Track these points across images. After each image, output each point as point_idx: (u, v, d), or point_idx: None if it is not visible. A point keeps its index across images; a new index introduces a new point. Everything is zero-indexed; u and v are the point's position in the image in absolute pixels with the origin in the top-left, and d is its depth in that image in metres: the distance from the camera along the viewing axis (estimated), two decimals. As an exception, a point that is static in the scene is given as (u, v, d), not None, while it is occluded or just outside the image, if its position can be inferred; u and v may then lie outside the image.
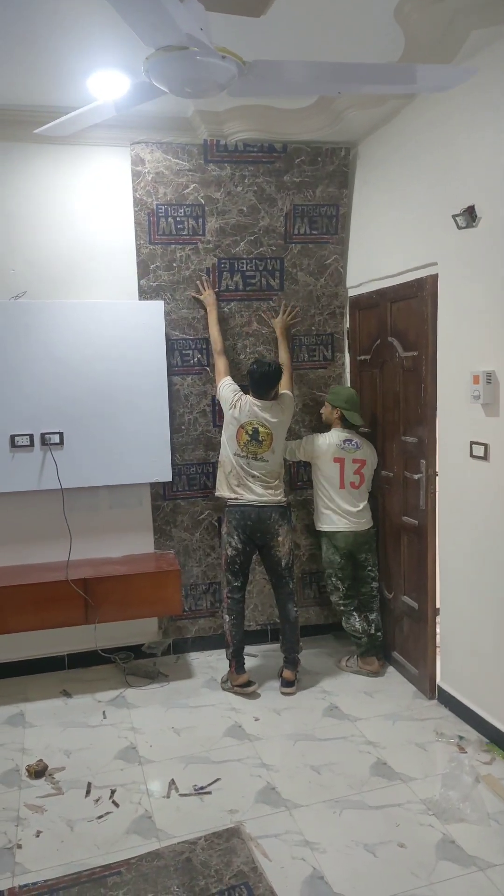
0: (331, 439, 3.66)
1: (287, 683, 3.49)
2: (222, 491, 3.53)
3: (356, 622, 3.65)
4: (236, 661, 3.49)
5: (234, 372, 3.81)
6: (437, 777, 2.73)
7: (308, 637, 4.09)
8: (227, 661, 3.53)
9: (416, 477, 3.34)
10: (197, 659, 3.92)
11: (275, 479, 3.50)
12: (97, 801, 2.66)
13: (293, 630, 3.55)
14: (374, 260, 3.69)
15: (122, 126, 3.53)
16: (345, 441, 3.64)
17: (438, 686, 3.35)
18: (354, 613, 3.67)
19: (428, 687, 3.38)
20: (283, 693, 3.47)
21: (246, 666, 3.55)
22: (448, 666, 3.28)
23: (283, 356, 3.77)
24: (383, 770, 2.81)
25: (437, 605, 3.35)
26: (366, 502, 3.67)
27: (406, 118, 3.29)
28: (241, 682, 3.46)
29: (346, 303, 4.04)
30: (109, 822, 2.52)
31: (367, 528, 3.67)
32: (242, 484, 3.45)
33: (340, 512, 3.61)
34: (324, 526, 3.66)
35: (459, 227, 2.87)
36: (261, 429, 3.44)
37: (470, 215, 2.80)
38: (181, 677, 3.70)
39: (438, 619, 3.36)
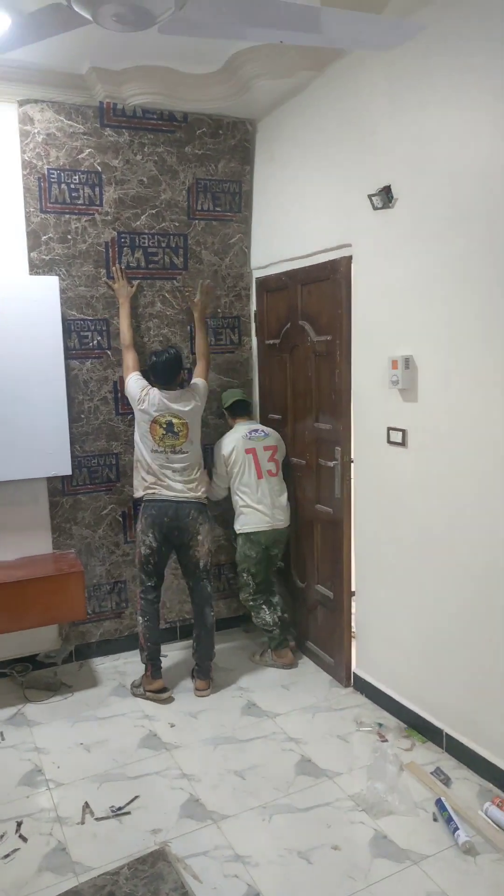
0: (235, 435, 3.55)
1: (201, 690, 3.33)
2: (139, 491, 3.32)
3: (266, 615, 3.54)
4: (152, 666, 3.27)
5: (139, 355, 3.56)
6: (362, 770, 2.69)
7: (218, 631, 3.93)
8: (142, 665, 3.32)
9: (330, 464, 3.27)
10: (102, 664, 3.66)
11: (195, 472, 3.31)
12: (1, 836, 2.37)
13: (209, 636, 3.38)
14: (282, 240, 3.56)
15: (8, 79, 3.15)
16: (250, 432, 3.54)
17: (354, 673, 3.32)
18: (263, 606, 3.56)
19: (344, 675, 3.35)
20: (197, 695, 3.31)
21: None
22: (364, 653, 3.26)
23: (200, 345, 3.56)
24: (308, 768, 2.73)
25: (353, 592, 3.32)
26: (286, 496, 3.57)
27: (316, 91, 3.17)
28: (155, 688, 3.26)
29: (252, 284, 3.89)
30: (17, 861, 2.25)
31: (285, 527, 3.56)
32: (159, 480, 3.25)
33: (260, 509, 3.47)
34: (245, 527, 3.50)
35: (375, 208, 2.79)
36: (174, 420, 3.26)
37: (386, 195, 2.73)
38: (86, 686, 3.44)
39: (353, 607, 3.33)
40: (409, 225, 2.68)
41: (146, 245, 3.59)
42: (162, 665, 3.34)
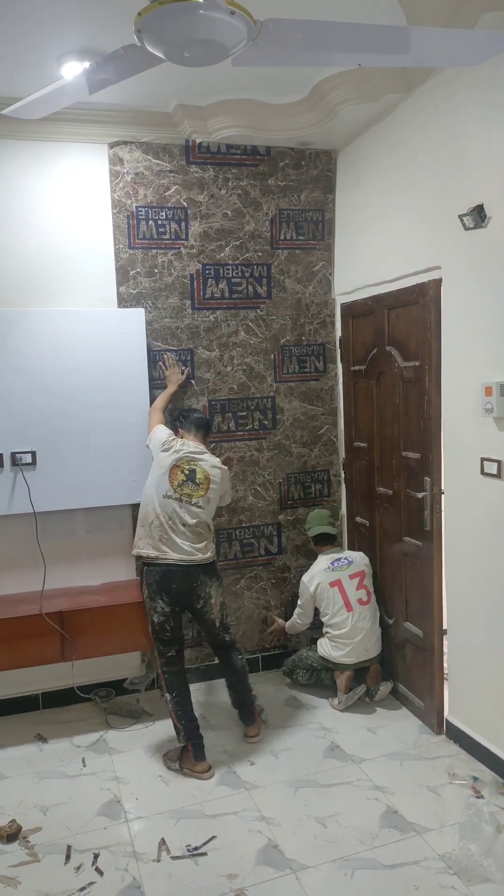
0: (318, 568, 3.49)
1: (253, 736, 3.13)
2: (140, 548, 2.97)
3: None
4: (193, 748, 2.89)
5: (222, 384, 3.60)
6: (454, 827, 2.48)
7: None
8: (181, 747, 2.94)
9: (419, 496, 3.12)
10: (184, 694, 3.62)
11: (205, 533, 3.01)
12: (78, 868, 2.35)
13: (242, 681, 3.15)
14: (368, 265, 3.49)
15: (99, 121, 3.29)
16: (333, 562, 3.46)
17: (447, 720, 3.11)
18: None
19: (435, 721, 3.14)
20: (249, 742, 3.12)
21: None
22: (457, 698, 3.05)
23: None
24: (395, 820, 2.55)
25: (444, 630, 3.12)
26: (378, 623, 3.45)
27: (404, 113, 3.10)
28: (199, 770, 2.87)
29: (337, 310, 3.83)
30: (92, 896, 2.22)
31: (374, 656, 3.43)
32: (166, 538, 2.92)
33: (351, 646, 3.34)
34: (329, 654, 3.40)
35: (466, 228, 2.67)
36: (198, 470, 3.00)
37: (479, 214, 2.60)
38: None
39: (445, 647, 3.13)
40: (503, 244, 2.54)
41: (230, 276, 3.63)
42: (204, 744, 2.96)
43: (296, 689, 3.50)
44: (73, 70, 2.72)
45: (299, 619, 3.55)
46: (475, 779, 2.77)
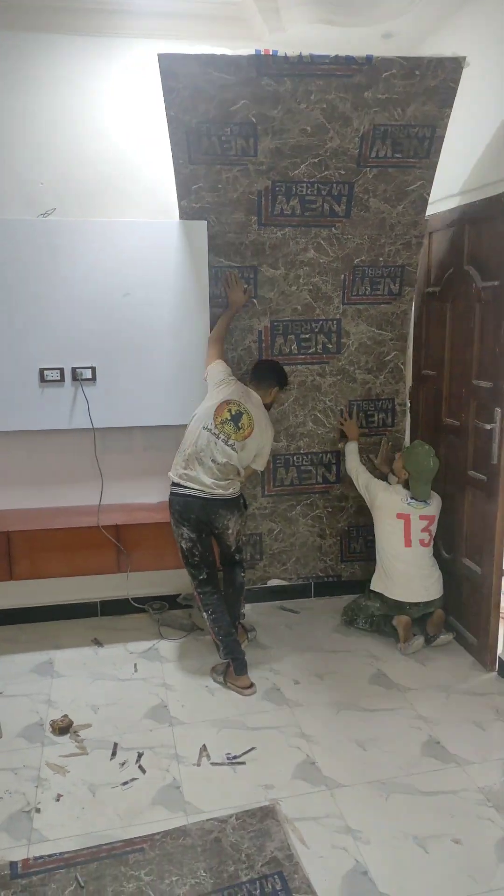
0: (395, 495, 3.29)
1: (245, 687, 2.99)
2: (172, 474, 3.03)
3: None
4: (234, 662, 2.97)
5: (285, 304, 3.43)
6: (498, 762, 2.44)
7: (344, 594, 3.80)
8: (224, 662, 3.03)
9: (488, 427, 2.93)
10: (235, 613, 3.69)
11: (231, 475, 2.99)
12: (123, 764, 2.47)
13: (236, 595, 3.22)
14: (450, 172, 3.18)
15: (157, 14, 3.06)
16: (411, 498, 3.27)
17: (499, 658, 3.02)
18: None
19: (488, 658, 3.06)
20: (243, 694, 2.96)
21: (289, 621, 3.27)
22: (512, 637, 2.95)
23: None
24: (436, 750, 2.53)
25: (503, 569, 2.99)
26: (437, 569, 3.31)
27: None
28: (241, 685, 2.93)
29: (426, 232, 3.50)
30: (134, 790, 2.33)
31: (435, 598, 3.28)
32: (192, 468, 2.94)
33: (404, 582, 3.25)
34: (378, 587, 3.33)
35: None
36: (244, 415, 2.97)
37: None
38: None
39: (503, 585, 3.01)
40: None
41: (303, 193, 3.35)
42: (247, 661, 3.01)
43: (356, 636, 3.39)
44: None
45: (353, 473, 3.47)
46: (524, 718, 2.70)
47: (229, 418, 2.96)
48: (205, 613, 3.06)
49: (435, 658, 3.18)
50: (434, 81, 3.09)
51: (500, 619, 3.05)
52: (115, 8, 3.02)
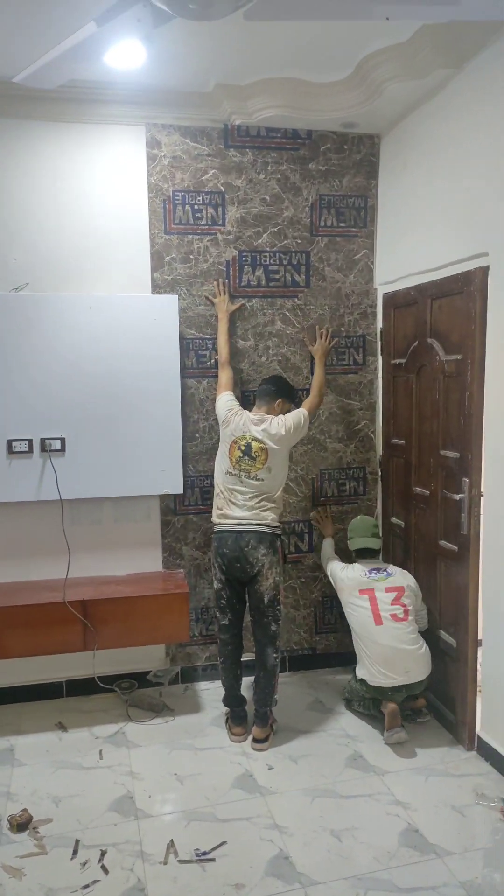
0: (353, 573, 3.23)
1: (257, 741, 3.03)
2: (214, 516, 3.14)
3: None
4: (231, 713, 3.12)
5: (256, 375, 3.49)
6: (479, 853, 2.33)
7: (324, 668, 3.72)
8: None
9: (456, 497, 2.94)
10: (207, 690, 3.56)
11: (267, 500, 3.05)
12: (84, 864, 2.31)
13: (268, 679, 3.05)
14: (411, 253, 3.31)
15: (137, 102, 3.23)
16: (371, 571, 3.20)
17: (478, 736, 2.94)
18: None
19: (466, 736, 2.97)
20: (254, 749, 3.01)
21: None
22: (490, 713, 2.87)
23: (316, 379, 3.40)
24: (415, 840, 2.41)
25: (479, 640, 2.94)
26: (421, 645, 3.07)
27: (453, 91, 2.91)
28: (235, 733, 3.08)
29: (379, 301, 3.67)
30: (96, 894, 2.17)
31: (421, 680, 3.07)
32: (227, 507, 3.06)
33: (380, 667, 3.02)
34: (361, 674, 3.12)
35: (516, 212, 2.48)
36: (254, 444, 3.04)
37: (529, 197, 2.41)
38: (188, 711, 3.35)
39: (480, 658, 2.95)
40: None
41: (267, 263, 3.51)
42: (245, 715, 3.14)
43: (343, 720, 3.23)
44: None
45: (324, 565, 3.47)
46: (505, 801, 2.60)
47: (241, 455, 3.06)
48: (219, 659, 3.19)
49: (413, 737, 3.08)
50: (359, 155, 3.55)
51: (479, 694, 2.98)
52: (91, 97, 3.15)
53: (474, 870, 2.25)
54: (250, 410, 3.17)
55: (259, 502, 3.03)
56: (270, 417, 3.12)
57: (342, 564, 3.35)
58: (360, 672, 3.13)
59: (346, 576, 3.26)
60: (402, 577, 3.21)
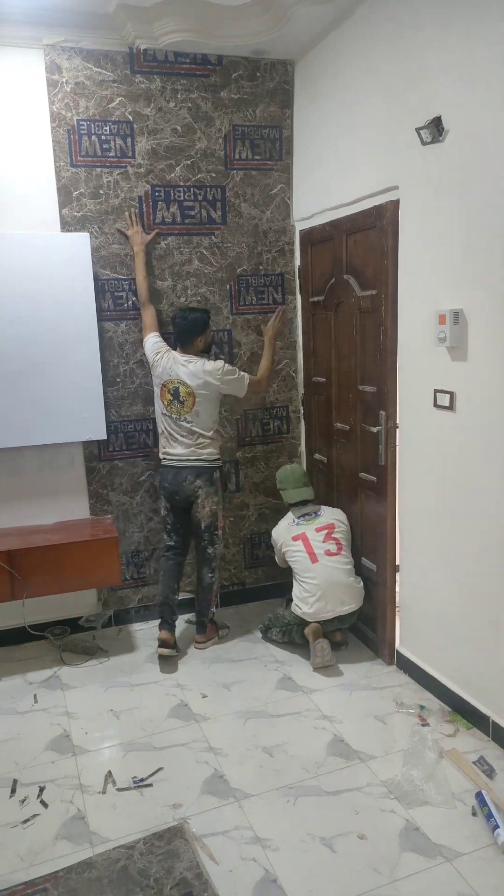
0: (283, 525, 3.41)
1: (198, 643, 3.42)
2: (160, 453, 3.33)
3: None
4: (161, 619, 3.32)
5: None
6: (399, 754, 2.53)
7: (258, 600, 3.86)
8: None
9: (374, 430, 3.05)
10: (141, 630, 3.63)
11: (199, 440, 3.22)
12: (23, 801, 2.36)
13: (205, 594, 3.40)
14: (326, 187, 3.30)
15: (32, 23, 3.01)
16: (299, 518, 3.32)
17: (398, 651, 3.14)
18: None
19: (387, 652, 3.17)
20: (196, 648, 3.40)
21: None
22: (408, 630, 3.07)
23: (263, 364, 3.48)
24: (341, 748, 2.59)
25: (397, 566, 3.12)
26: (353, 576, 3.22)
27: (361, 17, 2.86)
28: (160, 638, 3.25)
29: (296, 238, 3.65)
30: (36, 827, 2.23)
31: (352, 612, 3.20)
32: (169, 445, 3.25)
33: (320, 601, 3.13)
34: (302, 612, 3.20)
35: (424, 143, 2.50)
36: (181, 388, 3.15)
37: (436, 128, 2.43)
38: (123, 651, 3.41)
39: (398, 580, 3.13)
40: (460, 161, 2.38)
41: (181, 198, 3.41)
42: (174, 623, 3.36)
43: (272, 647, 3.38)
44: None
45: (278, 560, 3.51)
46: (422, 707, 2.81)
47: (171, 398, 3.17)
48: (161, 574, 3.39)
49: (337, 657, 3.26)
50: (272, 83, 3.45)
51: (398, 614, 3.17)
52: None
53: (395, 769, 2.44)
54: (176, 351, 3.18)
55: (196, 440, 3.20)
56: (197, 360, 3.16)
57: (274, 531, 3.47)
58: (297, 610, 3.23)
59: (279, 533, 3.40)
60: (331, 514, 3.34)
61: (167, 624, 3.29)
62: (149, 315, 3.29)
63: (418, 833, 2.15)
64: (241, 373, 3.28)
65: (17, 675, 3.20)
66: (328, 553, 3.21)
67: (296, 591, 3.29)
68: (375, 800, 2.31)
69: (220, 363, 3.20)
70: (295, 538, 3.28)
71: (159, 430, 3.28)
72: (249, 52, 3.32)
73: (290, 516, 3.41)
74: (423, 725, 2.68)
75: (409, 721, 2.74)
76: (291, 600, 3.34)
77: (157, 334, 3.26)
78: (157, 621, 3.42)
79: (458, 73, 2.33)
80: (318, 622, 3.18)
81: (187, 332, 3.18)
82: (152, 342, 3.24)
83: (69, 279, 3.20)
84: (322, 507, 3.40)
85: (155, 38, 3.13)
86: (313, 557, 3.21)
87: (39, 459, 3.41)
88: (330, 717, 2.79)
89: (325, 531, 3.26)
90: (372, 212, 2.90)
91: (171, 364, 3.15)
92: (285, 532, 3.35)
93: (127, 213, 3.32)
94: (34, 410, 3.24)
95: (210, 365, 3.17)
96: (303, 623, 3.24)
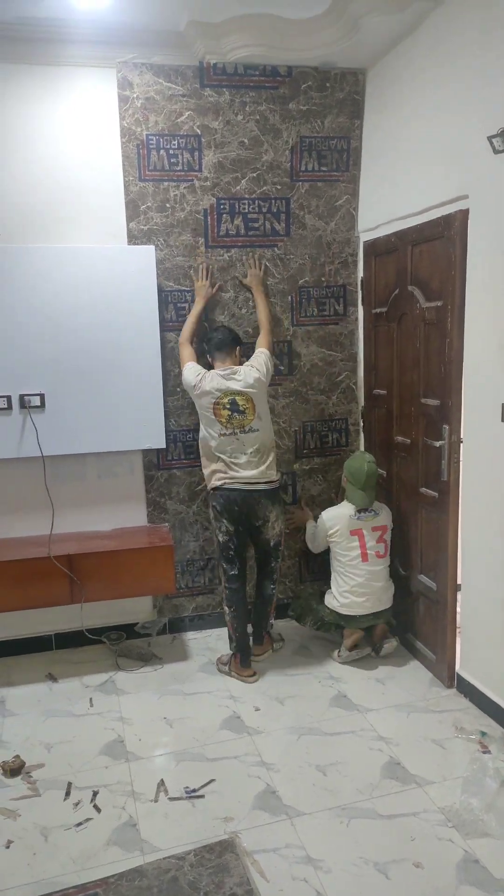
0: (343, 511, 3.30)
1: (255, 655, 3.34)
2: (211, 482, 3.18)
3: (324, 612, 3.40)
4: (241, 656, 3.22)
5: (237, 328, 3.44)
6: (457, 781, 2.43)
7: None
8: (231, 654, 3.29)
9: (437, 444, 2.97)
10: (194, 639, 3.63)
11: (267, 453, 3.16)
12: (77, 804, 2.38)
13: (264, 606, 3.35)
14: (392, 198, 3.26)
15: (107, 42, 3.10)
16: (360, 512, 3.26)
17: (458, 674, 3.04)
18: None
19: (446, 675, 3.07)
20: (254, 660, 3.31)
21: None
22: (469, 652, 2.96)
23: (262, 313, 3.39)
24: (397, 771, 2.51)
25: (458, 584, 3.02)
26: (390, 581, 3.34)
27: (433, 25, 2.82)
28: (245, 675, 3.21)
29: (360, 249, 3.62)
30: (89, 831, 2.25)
31: (386, 608, 3.32)
32: (231, 469, 3.11)
33: (360, 599, 3.23)
34: (339, 608, 3.29)
35: (496, 151, 2.44)
36: (237, 398, 3.09)
37: (509, 136, 2.37)
38: (176, 659, 3.42)
39: (459, 600, 3.03)
40: (534, 168, 2.31)
41: (246, 211, 3.43)
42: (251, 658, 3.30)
43: (328, 664, 3.34)
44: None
45: (312, 542, 3.48)
46: (483, 734, 2.70)
47: (230, 413, 3.08)
48: (226, 608, 3.25)
49: (394, 677, 3.18)
50: (342, 94, 3.42)
51: (458, 635, 3.07)
52: (61, 37, 3.03)
53: (453, 796, 2.35)
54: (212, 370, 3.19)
55: (262, 458, 3.13)
56: (238, 367, 3.17)
57: (327, 514, 3.37)
58: (332, 602, 3.29)
59: (336, 517, 3.30)
60: (386, 515, 3.33)
61: (248, 661, 3.24)
62: (187, 352, 3.27)
63: (477, 866, 2.05)
64: (259, 349, 3.26)
65: (74, 677, 3.26)
66: (378, 555, 3.26)
67: (337, 584, 3.30)
68: (432, 827, 2.22)
69: (259, 350, 3.24)
70: (353, 532, 3.25)
71: (211, 456, 3.14)
72: (318, 63, 3.32)
73: (349, 506, 3.30)
74: (484, 752, 2.57)
75: (468, 747, 2.63)
76: (324, 593, 3.41)
77: (194, 362, 3.24)
78: (212, 631, 3.43)
79: (533, 79, 2.27)
80: (360, 628, 3.24)
81: (230, 342, 3.20)
82: (190, 366, 3.20)
83: (134, 290, 3.27)
84: (376, 503, 3.35)
85: (224, 54, 3.18)
86: (364, 557, 3.24)
87: (100, 466, 3.47)
88: (386, 738, 2.71)
89: (380, 532, 3.27)
90: (439, 222, 2.84)
91: (216, 381, 3.09)
92: (346, 522, 3.27)
93: (200, 266, 3.38)
94: (96, 418, 3.30)
95: (245, 366, 3.18)
96: (338, 619, 3.29)
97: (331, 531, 3.31)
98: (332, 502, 3.60)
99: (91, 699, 3.07)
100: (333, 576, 3.36)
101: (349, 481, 3.32)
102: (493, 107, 2.47)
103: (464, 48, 2.62)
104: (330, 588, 3.38)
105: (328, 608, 3.35)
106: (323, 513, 3.39)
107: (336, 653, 3.34)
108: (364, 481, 3.25)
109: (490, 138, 2.43)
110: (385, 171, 3.33)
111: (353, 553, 3.25)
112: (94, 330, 3.24)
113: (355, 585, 3.24)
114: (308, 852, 2.13)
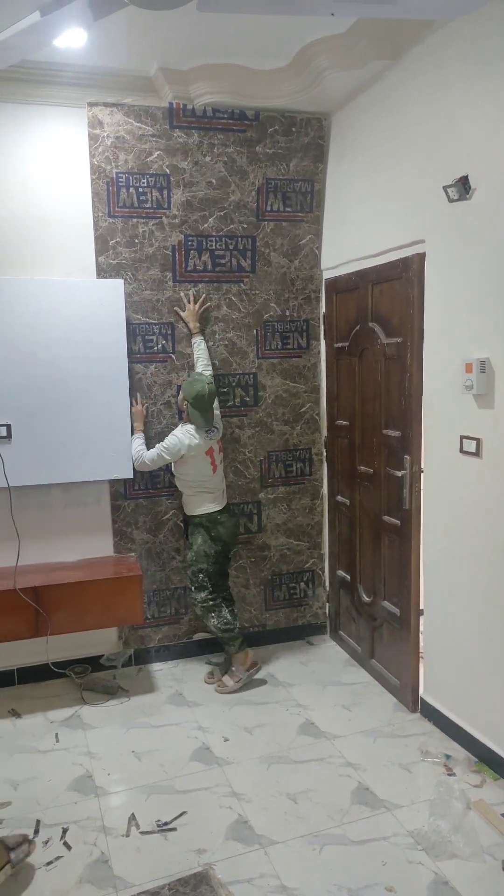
0: (198, 440, 3.31)
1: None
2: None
3: (226, 613, 3.41)
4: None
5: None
6: (425, 804, 2.49)
7: (280, 643, 3.85)
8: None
9: (398, 474, 3.08)
10: (160, 670, 3.61)
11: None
12: (46, 842, 2.34)
13: None
14: (353, 239, 3.42)
15: (79, 84, 3.19)
16: (209, 431, 3.36)
17: (421, 698, 3.11)
18: (223, 605, 3.43)
19: (410, 699, 3.14)
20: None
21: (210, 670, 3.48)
22: (432, 676, 3.05)
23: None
24: (366, 797, 2.55)
25: (421, 610, 3.11)
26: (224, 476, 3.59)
27: (391, 81, 3.01)
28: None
29: (322, 287, 3.77)
30: (59, 870, 2.21)
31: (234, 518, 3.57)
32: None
33: (213, 494, 3.43)
34: (199, 509, 3.40)
35: (451, 200, 2.61)
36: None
37: (463, 186, 2.54)
38: (143, 691, 3.40)
39: (422, 625, 3.12)
40: (487, 217, 2.48)
41: (213, 248, 3.54)
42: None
43: (293, 690, 3.38)
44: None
45: (148, 460, 3.34)
46: (447, 756, 2.77)
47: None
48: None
49: (360, 703, 3.23)
50: (307, 138, 3.58)
51: (421, 660, 3.15)
52: (31, 77, 3.10)
53: (421, 819, 2.40)
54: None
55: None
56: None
57: (177, 436, 3.31)
58: (201, 509, 3.39)
59: (183, 441, 3.29)
60: (220, 429, 3.47)
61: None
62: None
63: (448, 888, 2.10)
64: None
65: (38, 712, 3.20)
66: (219, 463, 3.47)
67: (192, 498, 3.40)
68: (402, 850, 2.27)
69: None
70: (208, 453, 3.37)
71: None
72: (284, 108, 3.48)
73: (193, 429, 3.32)
74: (450, 775, 2.64)
75: (434, 770, 2.70)
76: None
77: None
78: (178, 661, 3.43)
79: (485, 135, 2.45)
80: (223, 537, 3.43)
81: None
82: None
83: (103, 322, 3.31)
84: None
85: (192, 99, 3.31)
86: (214, 469, 3.41)
87: (66, 497, 3.46)
88: (354, 764, 2.76)
89: (219, 445, 3.46)
90: (398, 263, 3.00)
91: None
92: (200, 445, 3.31)
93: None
94: (64, 448, 3.31)
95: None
96: (211, 531, 3.39)
97: (185, 450, 3.29)
98: (298, 530, 3.67)
99: (57, 734, 3.02)
100: (184, 493, 3.43)
101: (192, 405, 3.29)
102: (447, 159, 2.64)
103: (418, 104, 2.81)
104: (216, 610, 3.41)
105: (205, 560, 3.38)
106: (177, 434, 3.32)
107: (211, 677, 3.49)
108: (206, 403, 3.28)
109: (445, 188, 2.60)
110: (346, 214, 3.50)
111: (205, 468, 3.37)
112: (62, 361, 3.27)
113: (209, 492, 3.39)
114: (282, 881, 2.14)
